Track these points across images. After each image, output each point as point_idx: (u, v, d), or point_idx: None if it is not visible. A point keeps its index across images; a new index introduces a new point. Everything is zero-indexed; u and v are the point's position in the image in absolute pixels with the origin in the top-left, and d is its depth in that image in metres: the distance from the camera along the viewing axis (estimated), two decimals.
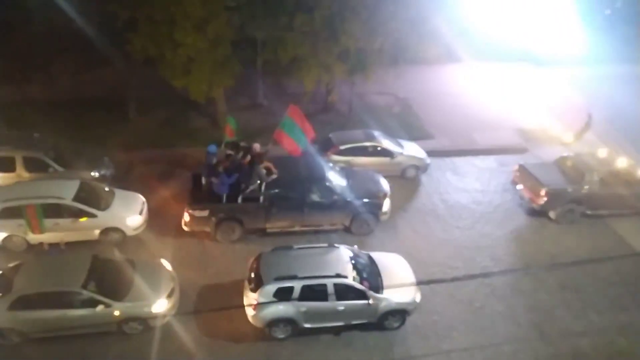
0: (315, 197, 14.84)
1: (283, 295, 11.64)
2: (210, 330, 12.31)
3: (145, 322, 11.90)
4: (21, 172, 15.70)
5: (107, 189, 15.43)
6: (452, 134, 21.38)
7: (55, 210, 13.97)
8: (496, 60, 26.34)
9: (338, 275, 11.85)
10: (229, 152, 15.49)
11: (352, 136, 18.60)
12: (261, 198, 14.65)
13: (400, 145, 18.69)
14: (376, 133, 18.71)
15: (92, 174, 16.43)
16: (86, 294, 11.48)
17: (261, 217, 14.84)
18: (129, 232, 14.70)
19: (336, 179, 15.38)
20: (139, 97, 21.09)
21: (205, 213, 14.54)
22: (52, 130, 17.76)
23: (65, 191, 14.28)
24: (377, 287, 12.21)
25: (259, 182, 14.58)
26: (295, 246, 13.15)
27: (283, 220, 15.04)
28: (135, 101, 21.03)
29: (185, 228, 14.83)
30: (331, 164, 16.25)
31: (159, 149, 19.05)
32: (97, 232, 14.49)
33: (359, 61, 18.92)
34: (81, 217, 14.14)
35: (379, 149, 18.08)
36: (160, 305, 11.93)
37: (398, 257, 13.54)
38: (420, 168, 18.43)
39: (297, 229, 15.21)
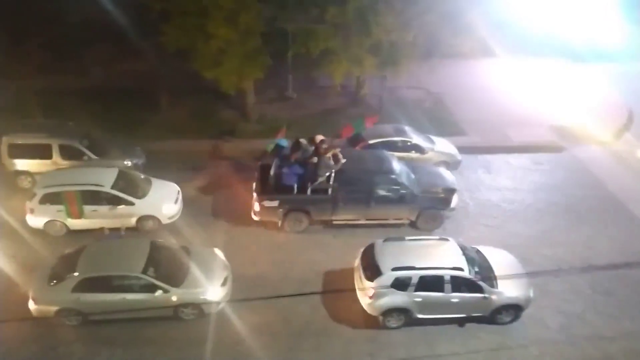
0: (382, 191, 14.84)
1: (400, 285, 11.81)
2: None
3: (200, 308, 12.10)
4: (57, 159, 16.10)
5: (143, 177, 15.72)
6: (485, 131, 20.88)
7: (94, 198, 14.31)
8: (533, 55, 25.56)
9: (455, 268, 11.89)
10: (300, 143, 15.50)
11: (382, 130, 18.32)
12: (329, 190, 14.75)
13: (431, 141, 18.36)
14: (406, 128, 18.41)
15: (125, 162, 16.71)
16: (146, 279, 11.73)
17: (328, 209, 14.97)
18: (164, 221, 14.96)
19: (404, 173, 15.31)
20: (170, 88, 21.34)
21: (275, 203, 14.73)
22: (86, 119, 18.11)
23: (104, 179, 14.58)
24: (491, 281, 12.17)
25: (327, 173, 14.66)
26: (407, 237, 13.27)
27: (349, 212, 15.10)
28: (166, 92, 21.28)
29: (255, 218, 15.05)
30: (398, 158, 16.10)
31: (188, 140, 19.26)
32: (134, 219, 14.76)
33: (391, 54, 18.62)
34: (119, 204, 14.46)
35: (408, 144, 17.80)
36: (215, 293, 12.12)
37: (505, 252, 13.46)
38: (451, 165, 18.03)
39: (362, 222, 15.26)
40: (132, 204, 14.58)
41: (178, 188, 15.78)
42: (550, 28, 24.52)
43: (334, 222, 15.25)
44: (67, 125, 16.96)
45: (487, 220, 16.11)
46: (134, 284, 11.78)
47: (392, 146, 17.71)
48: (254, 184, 15.22)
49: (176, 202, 15.28)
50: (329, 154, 14.69)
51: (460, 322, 12.49)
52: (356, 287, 12.55)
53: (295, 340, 12.08)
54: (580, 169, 18.78)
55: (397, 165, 15.36)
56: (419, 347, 11.97)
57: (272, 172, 15.00)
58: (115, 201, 14.45)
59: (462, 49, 18.88)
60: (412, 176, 15.49)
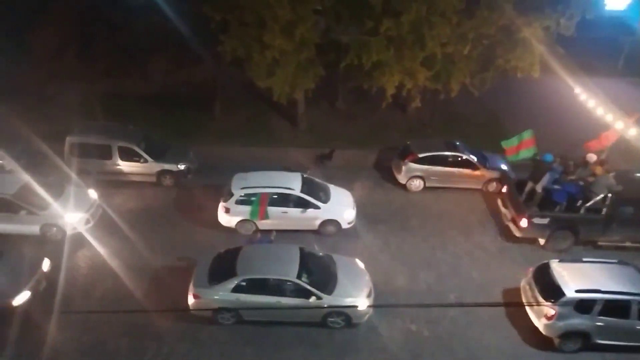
0: None
1: (583, 308, 11.59)
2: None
3: (348, 317, 12.27)
4: (116, 160, 16.86)
5: (323, 183, 16.06)
6: (540, 149, 19.99)
7: (284, 200, 14.89)
8: (599, 75, 24.40)
9: None
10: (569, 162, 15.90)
11: (432, 145, 18.09)
12: (603, 210, 14.55)
13: (484, 157, 17.88)
14: (458, 143, 18.06)
15: (178, 166, 17.29)
16: (301, 284, 12.03)
17: (598, 230, 14.75)
18: (344, 225, 15.29)
19: None
20: (225, 96, 21.93)
21: (546, 221, 14.66)
22: (145, 123, 18.91)
23: (293, 182, 15.18)
24: None
25: (604, 194, 14.50)
26: (584, 259, 13.06)
27: (621, 235, 14.85)
28: (221, 100, 21.89)
29: (518, 234, 15.05)
30: None
31: (240, 146, 19.67)
32: (317, 222, 15.17)
33: (445, 68, 18.33)
34: (308, 207, 14.95)
35: (459, 159, 17.42)
36: (364, 303, 12.27)
37: None
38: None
39: (627, 244, 15.00)
40: (318, 207, 14.98)
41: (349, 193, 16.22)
42: (620, 46, 23.29)
43: (600, 244, 14.97)
44: (127, 128, 17.79)
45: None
46: (288, 289, 12.07)
47: (443, 161, 17.44)
48: (506, 200, 15.45)
49: (354, 207, 15.57)
50: (611, 174, 14.60)
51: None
52: (526, 306, 12.50)
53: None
54: None
55: None
56: None
57: (539, 187, 14.93)
58: (304, 204, 14.90)
59: (521, 64, 18.25)
60: None
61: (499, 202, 16.41)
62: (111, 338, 12.07)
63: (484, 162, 17.61)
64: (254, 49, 17.40)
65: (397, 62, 17.95)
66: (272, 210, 14.91)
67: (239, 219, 15.05)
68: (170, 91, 22.94)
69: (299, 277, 12.06)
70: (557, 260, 12.78)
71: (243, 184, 15.21)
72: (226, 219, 15.20)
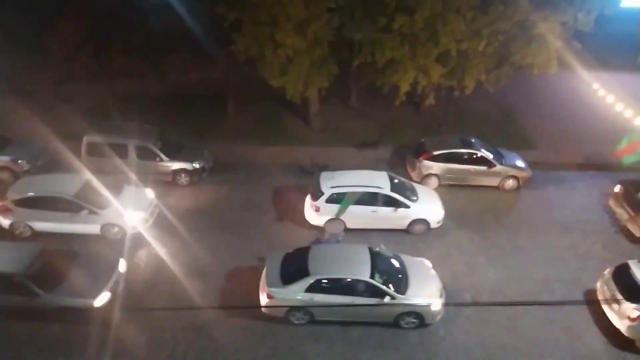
0: None
1: None
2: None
3: (421, 317, 12.16)
4: (132, 159, 17.02)
5: (409, 182, 16.03)
6: (558, 146, 19.87)
7: (373, 199, 14.86)
8: (615, 69, 24.00)
9: None
10: None
11: (447, 142, 17.92)
12: None
13: (500, 154, 17.68)
14: (473, 140, 17.88)
15: (193, 165, 17.39)
16: (374, 284, 11.90)
17: None
18: (433, 225, 15.25)
19: None
20: (238, 95, 22.01)
21: None
22: (160, 122, 19.06)
23: (382, 181, 15.16)
24: None
25: None
26: None
27: None
28: (234, 99, 21.98)
29: (639, 234, 14.88)
30: None
31: (254, 145, 19.75)
32: (407, 222, 15.11)
33: (460, 64, 18.16)
34: (398, 207, 14.88)
35: (475, 156, 17.25)
36: (437, 304, 12.13)
37: None
38: (520, 180, 17.29)
39: None
40: (408, 206, 14.95)
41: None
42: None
43: None
44: (143, 128, 17.90)
45: (559, 240, 15.28)
46: (362, 289, 11.95)
47: (458, 158, 17.28)
48: (621, 200, 15.39)
49: (442, 206, 15.53)
50: None
51: None
52: (604, 306, 12.39)
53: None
54: None
55: None
56: None
57: None
58: (394, 203, 14.89)
59: (536, 60, 17.99)
60: None
61: (611, 202, 16.21)
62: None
63: (500, 160, 17.40)
64: (267, 48, 17.43)
65: (411, 59, 17.84)
66: (362, 209, 14.85)
67: (328, 217, 15.05)
68: (185, 90, 23.14)
69: (372, 277, 11.94)
70: (636, 260, 12.54)
71: (332, 183, 15.18)
72: (315, 218, 15.19)
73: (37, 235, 14.70)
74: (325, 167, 17.66)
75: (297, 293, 12.02)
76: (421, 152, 17.64)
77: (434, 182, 17.51)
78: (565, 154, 19.42)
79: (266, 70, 18.15)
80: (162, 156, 17.09)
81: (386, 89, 19.52)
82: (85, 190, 14.78)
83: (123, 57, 22.47)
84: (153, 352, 11.76)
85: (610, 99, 22.60)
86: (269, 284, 12.25)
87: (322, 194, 14.96)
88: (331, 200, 14.89)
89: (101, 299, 12.14)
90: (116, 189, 15.35)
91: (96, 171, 16.92)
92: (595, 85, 23.45)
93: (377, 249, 13.16)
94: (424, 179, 17.47)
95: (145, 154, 17.02)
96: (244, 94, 22.10)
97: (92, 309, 12.05)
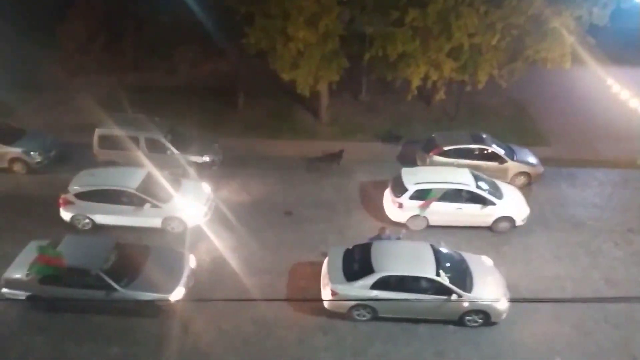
0: None
1: None
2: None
3: (487, 315, 12.03)
4: (143, 151, 17.07)
5: (491, 178, 15.82)
6: (571, 142, 19.65)
7: (457, 196, 14.79)
8: (629, 65, 23.62)
9: None
10: None
11: (458, 137, 17.78)
12: None
13: (511, 150, 17.53)
14: (484, 135, 17.72)
15: (203, 158, 17.44)
16: (440, 282, 11.80)
17: None
18: (518, 222, 15.07)
19: None
20: (248, 89, 22.01)
21: None
22: (171, 115, 19.13)
23: (466, 178, 15.09)
24: None
25: None
26: None
27: None
28: (244, 92, 21.98)
29: None
30: None
31: (264, 139, 19.75)
32: (492, 219, 14.97)
33: (472, 59, 17.99)
34: (485, 204, 14.73)
35: (486, 152, 17.11)
36: (503, 302, 11.97)
37: None
38: (532, 176, 17.14)
39: None
40: (494, 204, 14.84)
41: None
42: None
43: None
44: (154, 120, 17.95)
45: (570, 237, 15.14)
46: (427, 286, 11.84)
47: (469, 154, 17.15)
48: None
49: (526, 203, 15.37)
50: None
51: None
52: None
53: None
54: None
55: None
56: None
57: None
58: (480, 200, 14.77)
59: (550, 55, 17.76)
60: None
61: None
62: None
63: (511, 155, 17.25)
64: (278, 41, 17.38)
65: (422, 53, 17.71)
66: (446, 206, 14.75)
67: (411, 214, 14.97)
68: (196, 84, 23.16)
69: (437, 274, 11.86)
70: None
71: (415, 179, 15.08)
72: (398, 214, 15.10)
73: (96, 227, 14.81)
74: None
75: (361, 290, 11.91)
76: (432, 147, 17.53)
77: None
78: (578, 150, 19.19)
79: (277, 64, 18.11)
80: (172, 149, 17.15)
81: (398, 83, 19.39)
82: (147, 183, 14.83)
83: (134, 50, 22.57)
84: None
85: (624, 94, 22.28)
86: (333, 280, 12.18)
87: (406, 190, 14.82)
88: (415, 196, 14.76)
89: (177, 294, 12.17)
90: (175, 182, 15.42)
91: (107, 163, 17.15)
92: (610, 81, 23.12)
93: (439, 246, 12.96)
94: None
95: (155, 147, 17.08)
96: (254, 87, 22.10)
97: (169, 304, 12.11)
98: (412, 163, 17.98)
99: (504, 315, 12.15)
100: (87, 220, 14.85)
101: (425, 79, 18.54)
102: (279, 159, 18.63)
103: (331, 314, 12.38)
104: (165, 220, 14.77)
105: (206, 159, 17.50)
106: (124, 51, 23.81)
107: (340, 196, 16.82)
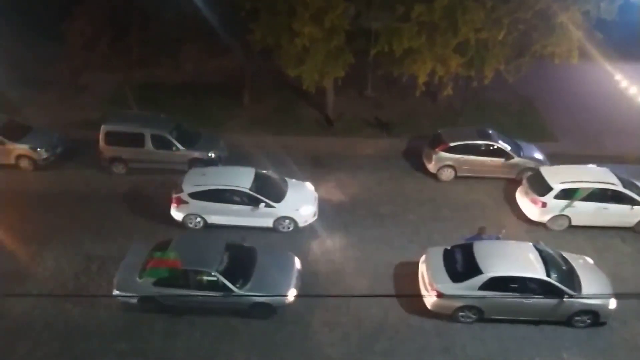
0: None
1: None
2: None
3: (596, 315, 11.89)
4: (149, 148, 17.13)
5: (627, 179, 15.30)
6: (578, 138, 19.51)
7: (603, 196, 14.56)
8: (638, 60, 23.38)
9: None
10: None
11: (464, 133, 17.71)
12: None
13: (518, 146, 17.42)
14: (491, 131, 17.64)
15: (209, 154, 17.45)
16: (552, 283, 11.63)
17: None
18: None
19: None
20: (254, 85, 21.98)
21: None
22: (176, 112, 19.13)
23: (610, 178, 14.78)
24: None
25: None
26: None
27: None
28: (250, 88, 21.95)
29: None
30: None
31: (270, 135, 19.73)
32: (636, 220, 14.74)
33: (479, 54, 17.86)
34: (633, 204, 14.50)
35: (492, 148, 17.02)
36: (613, 302, 11.85)
37: None
38: None
39: None
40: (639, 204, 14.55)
41: None
42: None
43: None
44: (159, 117, 18.02)
45: (578, 233, 15.01)
46: (537, 287, 11.71)
47: (475, 150, 17.07)
48: None
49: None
50: None
51: None
52: None
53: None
54: None
55: None
56: None
57: None
58: (627, 201, 14.51)
59: (557, 50, 17.61)
60: None
61: None
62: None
63: (517, 151, 17.15)
64: (284, 37, 17.34)
65: (429, 49, 17.58)
66: (590, 206, 14.56)
67: (553, 214, 14.79)
68: (201, 80, 23.15)
69: (548, 275, 11.70)
70: None
71: (560, 178, 14.88)
72: (539, 214, 14.97)
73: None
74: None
75: (469, 291, 11.73)
76: (438, 143, 17.45)
77: (450, 173, 17.34)
78: (586, 146, 19.04)
79: (282, 60, 18.08)
80: (178, 145, 17.17)
81: (405, 79, 19.28)
82: (258, 183, 14.77)
83: (140, 47, 22.54)
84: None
85: (633, 90, 22.09)
86: (437, 281, 12.01)
87: (551, 189, 14.66)
88: (559, 196, 14.57)
89: (291, 295, 12.18)
90: (283, 182, 15.38)
91: (113, 160, 17.16)
92: (618, 76, 22.92)
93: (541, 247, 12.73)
94: (440, 170, 17.31)
95: (161, 143, 17.12)
96: (260, 83, 22.07)
97: (283, 306, 12.18)
98: (418, 159, 17.94)
99: (609, 316, 11.98)
100: (198, 219, 14.80)
101: (431, 74, 18.44)
102: (283, 155, 18.63)
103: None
104: (278, 220, 14.70)
105: (212, 155, 17.51)
106: (129, 48, 23.76)
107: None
